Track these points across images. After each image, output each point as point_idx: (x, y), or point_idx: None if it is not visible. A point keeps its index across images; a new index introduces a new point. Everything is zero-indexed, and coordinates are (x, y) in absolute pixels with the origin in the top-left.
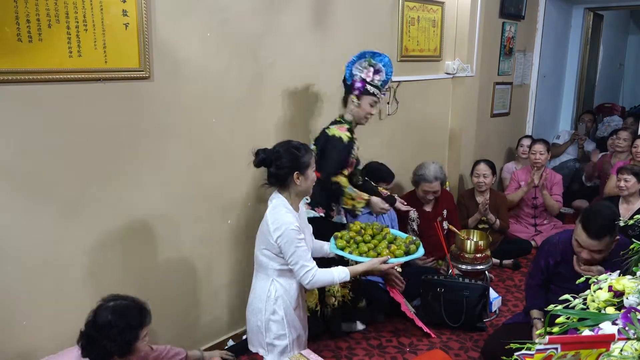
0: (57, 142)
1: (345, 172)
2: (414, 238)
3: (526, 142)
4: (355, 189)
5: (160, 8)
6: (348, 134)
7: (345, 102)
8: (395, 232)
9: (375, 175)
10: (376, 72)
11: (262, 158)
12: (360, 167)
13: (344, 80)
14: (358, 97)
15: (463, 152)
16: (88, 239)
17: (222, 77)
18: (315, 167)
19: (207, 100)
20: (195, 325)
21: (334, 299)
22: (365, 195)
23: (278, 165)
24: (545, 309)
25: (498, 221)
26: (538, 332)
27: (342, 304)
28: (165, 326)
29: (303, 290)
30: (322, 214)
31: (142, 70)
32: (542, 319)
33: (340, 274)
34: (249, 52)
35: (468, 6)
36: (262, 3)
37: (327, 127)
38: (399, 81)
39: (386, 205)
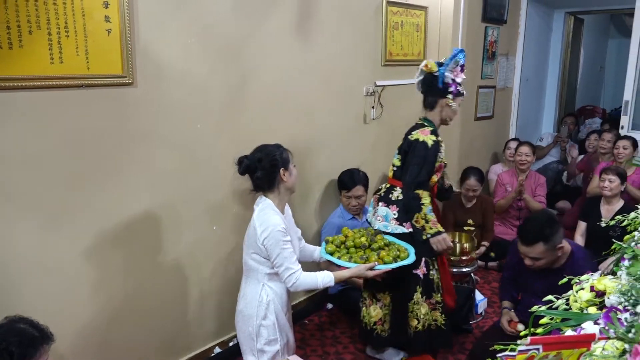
0: (40, 149)
1: (435, 177)
2: (407, 245)
3: (513, 144)
4: (432, 213)
5: (143, 14)
6: (433, 137)
7: (430, 105)
8: (392, 239)
9: (347, 183)
10: (462, 69)
11: (247, 165)
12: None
13: (430, 83)
14: (454, 100)
15: (448, 155)
16: (73, 246)
17: (206, 82)
18: (295, 163)
19: (192, 105)
20: (181, 332)
21: (417, 322)
22: (440, 227)
23: (264, 167)
24: (530, 310)
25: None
26: (522, 333)
27: (429, 329)
28: (150, 333)
29: (290, 294)
30: (411, 230)
31: (125, 77)
32: (512, 309)
33: (324, 278)
34: (233, 57)
35: (451, 11)
36: (245, 8)
37: (409, 133)
38: (384, 85)
39: (448, 245)
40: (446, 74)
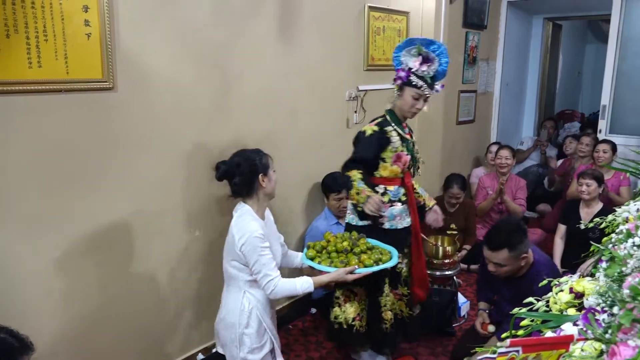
0: (18, 154)
1: (397, 168)
2: (390, 248)
3: (494, 148)
4: (365, 186)
5: (124, 18)
6: (376, 127)
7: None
8: (375, 242)
9: (333, 185)
10: (425, 61)
11: (224, 170)
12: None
13: None
14: (400, 88)
15: (430, 159)
16: (51, 254)
17: (190, 87)
18: (275, 168)
19: (174, 110)
20: (163, 339)
21: (390, 314)
22: (369, 192)
23: (242, 172)
24: (511, 312)
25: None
26: (503, 335)
27: (395, 318)
28: (132, 340)
29: (274, 303)
30: (370, 222)
31: (106, 81)
32: (487, 310)
33: (303, 284)
34: (217, 62)
35: (432, 16)
36: (229, 14)
37: None
38: (366, 90)
39: (376, 208)
40: (401, 57)
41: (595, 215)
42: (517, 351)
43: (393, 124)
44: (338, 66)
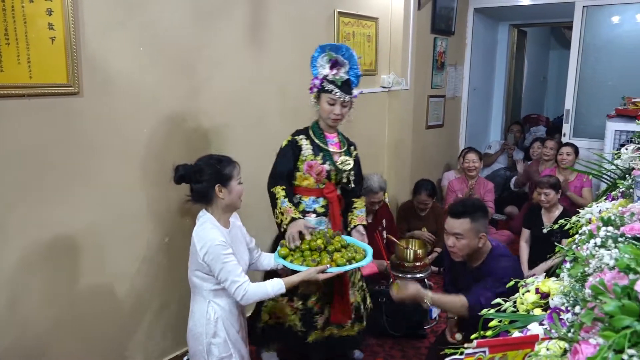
0: None
1: (310, 178)
2: (366, 247)
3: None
4: (289, 204)
5: (89, 21)
6: (289, 137)
7: None
8: (351, 239)
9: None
10: (334, 65)
11: (181, 174)
12: (347, 174)
13: None
14: (317, 96)
15: (401, 163)
16: (12, 261)
17: (157, 91)
18: (241, 180)
19: (141, 115)
20: (132, 348)
21: (268, 317)
22: (296, 214)
23: (198, 180)
24: (479, 313)
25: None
26: (473, 336)
27: (282, 326)
28: (95, 350)
29: (244, 310)
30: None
31: (71, 86)
32: (456, 317)
33: (274, 286)
34: (185, 66)
35: (401, 22)
36: (197, 17)
37: None
38: None
39: (298, 229)
40: (318, 67)
41: (557, 219)
42: (484, 352)
43: (311, 134)
44: (308, 71)
